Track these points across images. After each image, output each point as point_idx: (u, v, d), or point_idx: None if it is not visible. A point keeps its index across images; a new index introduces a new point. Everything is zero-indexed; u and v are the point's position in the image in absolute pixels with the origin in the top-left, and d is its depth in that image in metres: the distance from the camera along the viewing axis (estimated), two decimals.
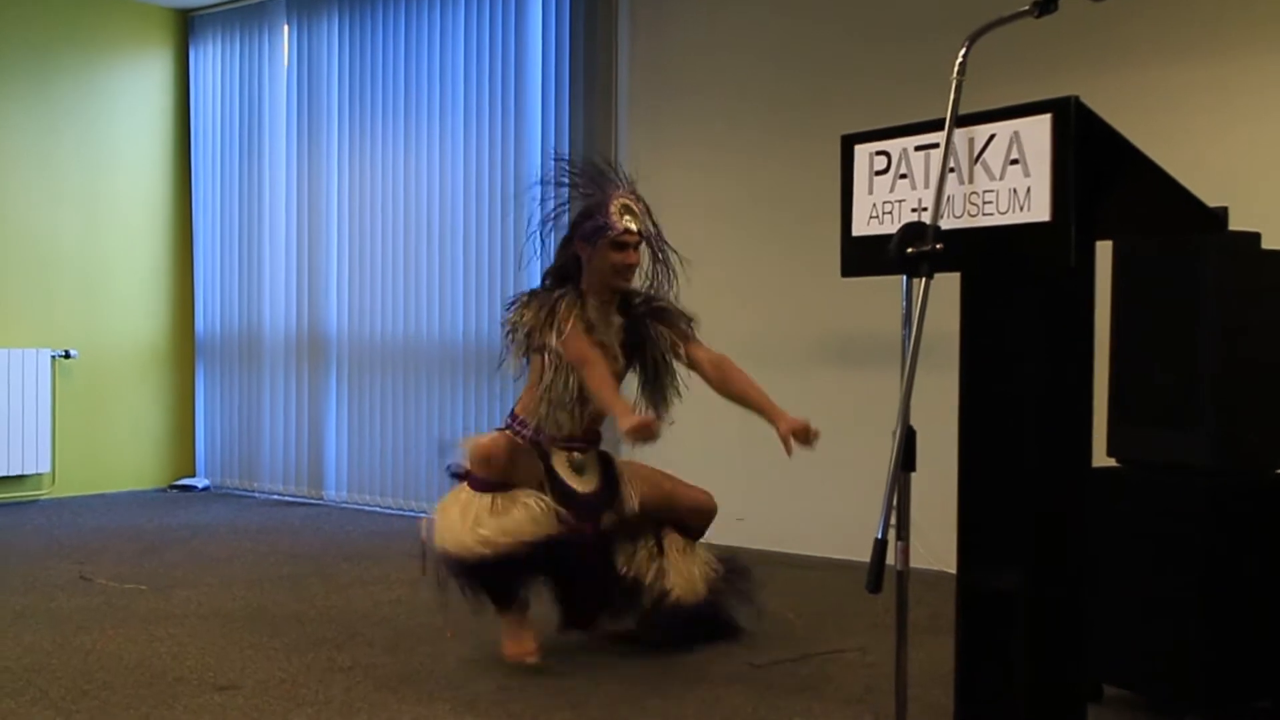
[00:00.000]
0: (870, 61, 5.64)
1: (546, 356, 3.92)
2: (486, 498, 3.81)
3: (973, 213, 2.58)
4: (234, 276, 8.16)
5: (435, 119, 7.06)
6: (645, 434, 3.59)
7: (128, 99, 8.08)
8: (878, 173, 2.80)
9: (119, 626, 4.36)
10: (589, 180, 4.11)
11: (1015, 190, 2.50)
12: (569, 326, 3.87)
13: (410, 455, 7.16)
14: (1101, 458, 3.29)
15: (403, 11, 7.24)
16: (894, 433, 2.52)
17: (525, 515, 3.81)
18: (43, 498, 7.54)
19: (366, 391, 7.40)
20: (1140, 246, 3.42)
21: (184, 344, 8.38)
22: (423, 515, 4.20)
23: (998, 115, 2.55)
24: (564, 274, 4.05)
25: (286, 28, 7.84)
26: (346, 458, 7.52)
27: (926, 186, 2.67)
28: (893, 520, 2.51)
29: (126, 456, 8.06)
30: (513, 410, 4.11)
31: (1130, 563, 3.33)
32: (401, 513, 7.12)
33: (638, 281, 4.13)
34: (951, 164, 2.60)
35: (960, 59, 2.58)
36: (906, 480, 2.59)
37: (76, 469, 7.73)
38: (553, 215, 4.21)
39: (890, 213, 2.76)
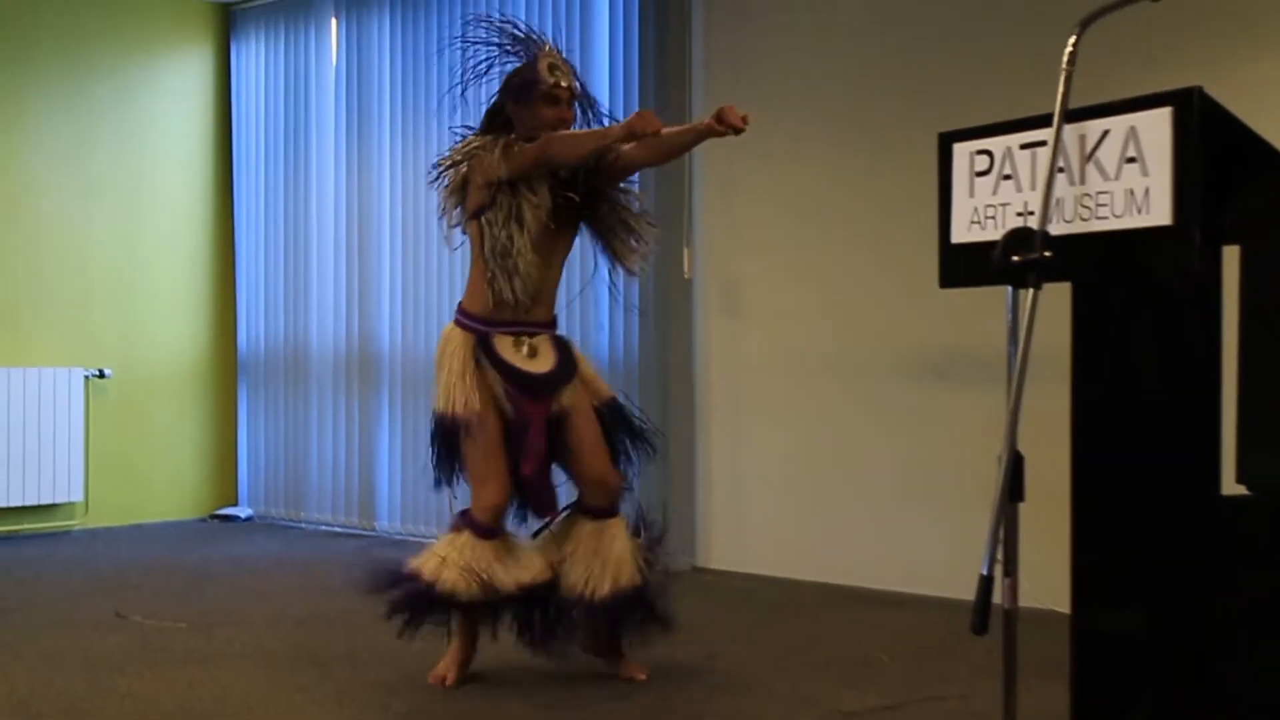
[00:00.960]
0: (967, 56, 5.58)
1: (483, 220, 4.09)
2: (488, 546, 4.09)
3: (1085, 216, 2.56)
4: (279, 289, 8.25)
5: None
6: (646, 122, 3.77)
7: (165, 99, 8.21)
8: (979, 174, 2.79)
9: (156, 667, 4.41)
10: (513, 40, 4.27)
11: (1132, 191, 2.48)
12: (517, 148, 4.06)
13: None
14: (1230, 485, 3.24)
15: (459, 4, 7.29)
16: (999, 458, 2.50)
17: (521, 563, 4.14)
18: (75, 528, 7.66)
19: (421, 414, 7.42)
20: (1270, 250, 3.37)
21: (225, 362, 8.48)
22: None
23: (1112, 109, 2.53)
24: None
25: (334, 21, 7.93)
26: (400, 485, 7.56)
27: (1033, 188, 2.66)
28: (999, 554, 2.49)
29: (164, 484, 8.17)
30: (460, 304, 4.25)
31: (1263, 603, 3.27)
32: None
33: None
34: (1061, 163, 2.58)
35: (1070, 47, 2.56)
36: (1014, 511, 2.57)
37: (111, 497, 7.84)
38: (481, 73, 4.35)
39: (993, 218, 2.75)
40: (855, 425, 5.94)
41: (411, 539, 7.33)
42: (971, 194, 2.80)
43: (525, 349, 4.13)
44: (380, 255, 7.66)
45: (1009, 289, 2.58)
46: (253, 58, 8.40)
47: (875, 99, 5.91)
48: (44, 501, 7.47)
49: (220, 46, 8.48)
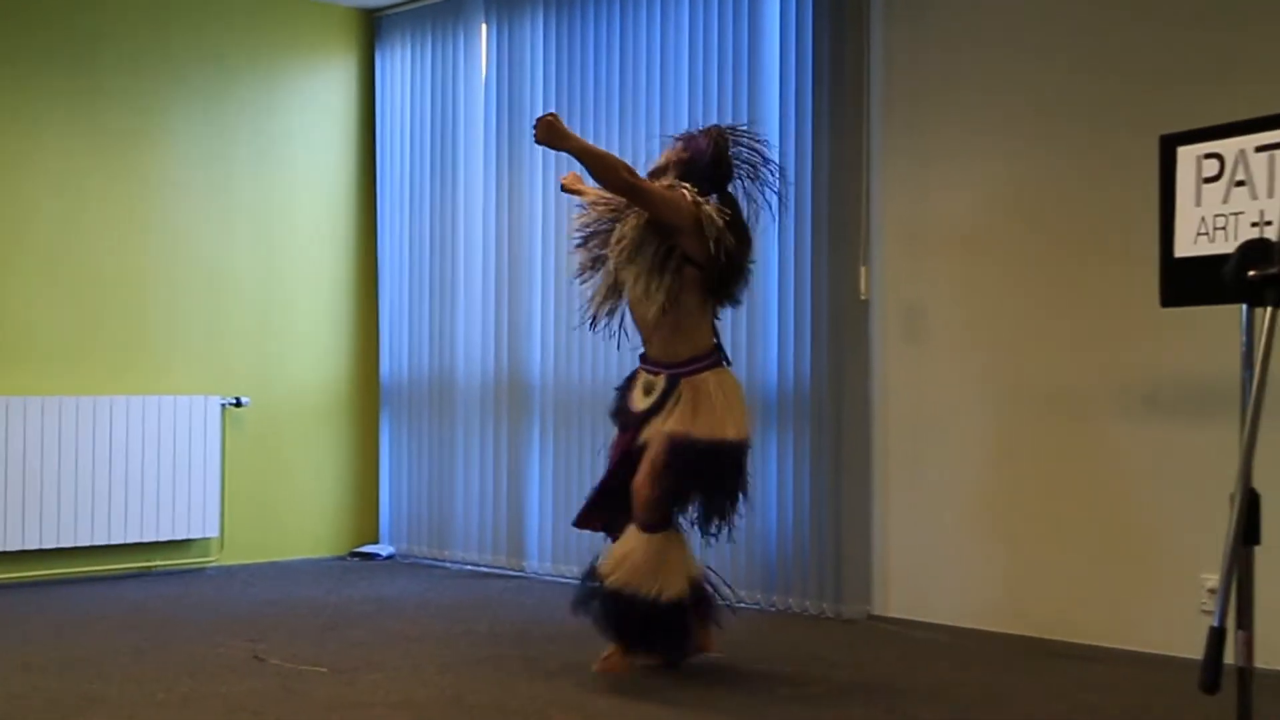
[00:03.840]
0: (1194, 47, 5.39)
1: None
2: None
3: None
4: (423, 313, 8.33)
5: (656, 129, 7.10)
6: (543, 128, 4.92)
7: (307, 112, 8.38)
8: (1207, 180, 2.71)
9: (297, 714, 4.47)
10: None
11: None
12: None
13: None
14: None
15: (617, 6, 7.33)
16: (1232, 497, 2.43)
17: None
18: (210, 565, 7.80)
19: (574, 446, 7.45)
20: None
21: (367, 391, 8.60)
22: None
23: None
24: None
25: (484, 27, 8.02)
26: (551, 523, 7.58)
27: (1271, 195, 2.57)
28: (1232, 605, 2.41)
29: (302, 520, 8.29)
30: None
31: None
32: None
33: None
34: None
35: None
36: (1249, 556, 2.48)
37: (246, 534, 7.97)
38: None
39: (1224, 228, 2.67)
40: (1057, 463, 5.78)
41: (562, 580, 7.34)
42: (1198, 203, 2.73)
43: (644, 386, 5.05)
44: (532, 278, 7.68)
45: (1243, 308, 2.51)
46: (398, 68, 8.52)
47: (1084, 94, 5.74)
48: (177, 537, 7.61)
49: (365, 57, 8.62)
